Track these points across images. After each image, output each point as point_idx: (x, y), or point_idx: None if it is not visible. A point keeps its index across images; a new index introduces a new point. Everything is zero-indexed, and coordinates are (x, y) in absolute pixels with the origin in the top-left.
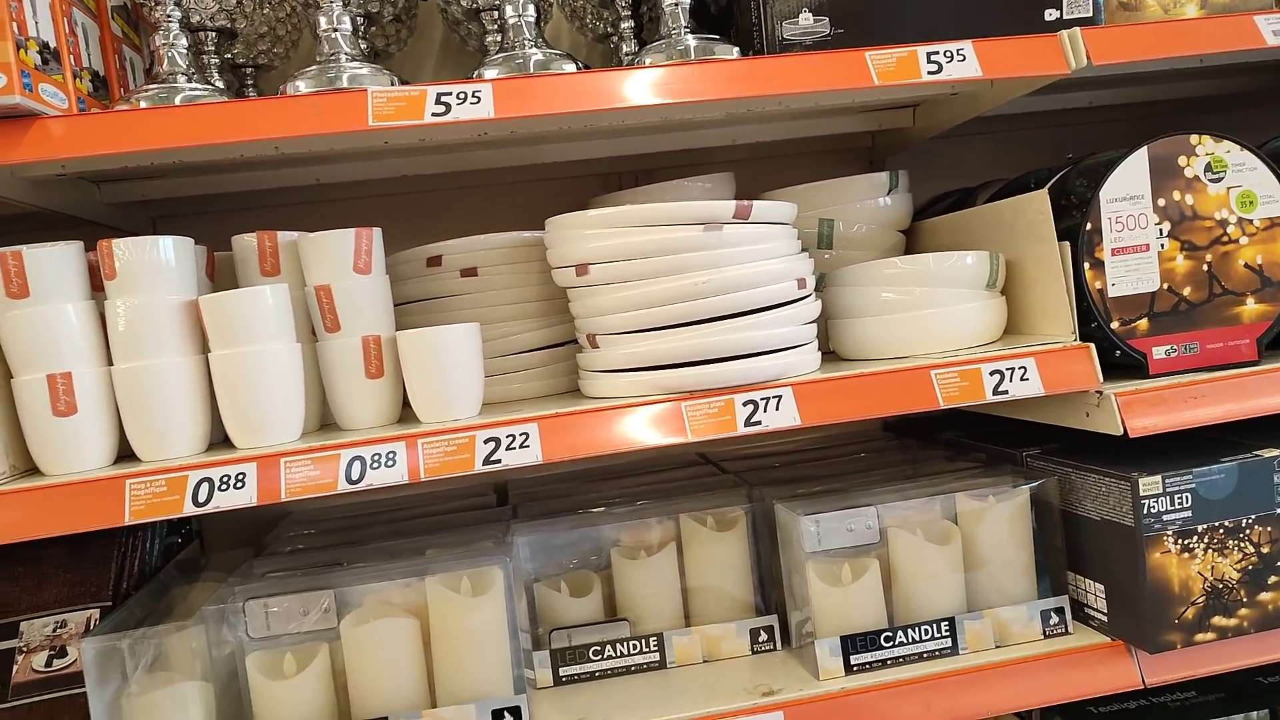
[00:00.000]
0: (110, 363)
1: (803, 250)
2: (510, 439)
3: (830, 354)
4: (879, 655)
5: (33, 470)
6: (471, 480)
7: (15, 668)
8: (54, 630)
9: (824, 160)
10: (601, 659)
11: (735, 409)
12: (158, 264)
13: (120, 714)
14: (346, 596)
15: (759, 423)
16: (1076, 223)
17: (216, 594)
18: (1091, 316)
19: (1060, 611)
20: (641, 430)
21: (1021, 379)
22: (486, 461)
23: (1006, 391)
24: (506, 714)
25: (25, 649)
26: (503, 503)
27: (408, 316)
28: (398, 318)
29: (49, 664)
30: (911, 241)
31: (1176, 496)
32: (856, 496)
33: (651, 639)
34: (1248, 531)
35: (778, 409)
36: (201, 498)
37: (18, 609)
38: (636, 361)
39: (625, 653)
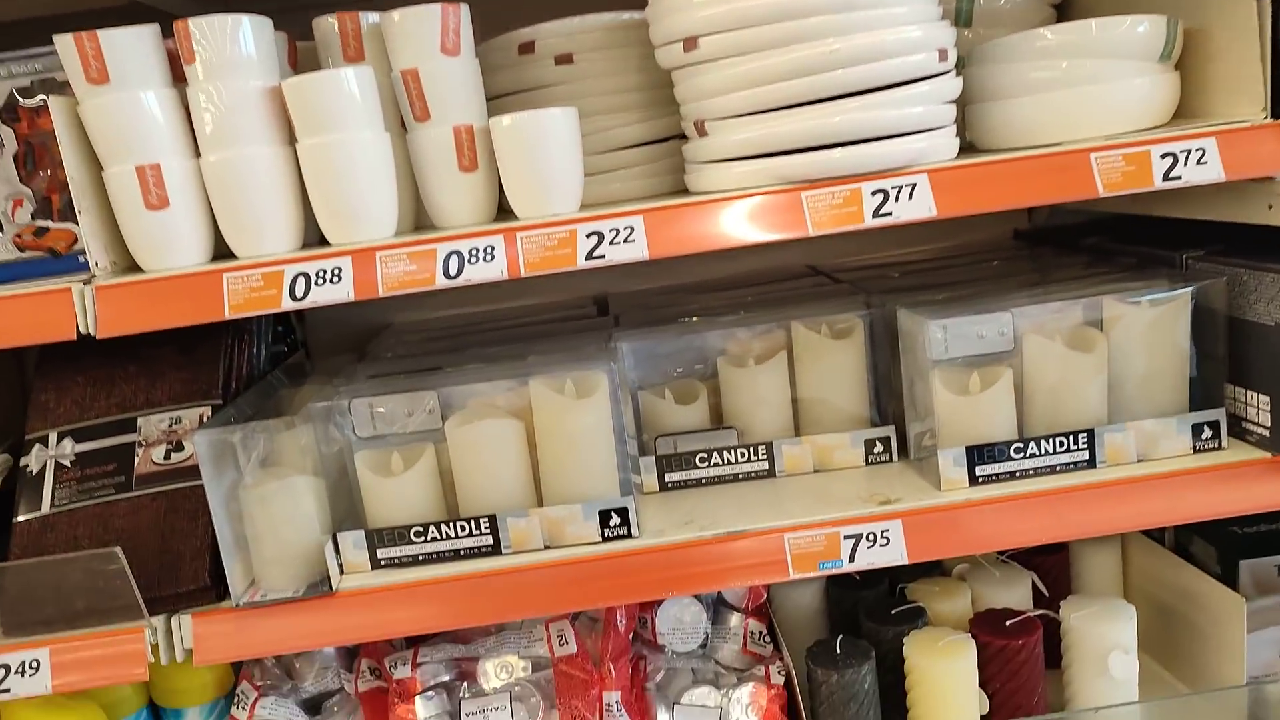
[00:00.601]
0: (199, 155)
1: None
2: (614, 233)
3: (966, 147)
4: (1007, 467)
5: (133, 267)
6: (572, 292)
7: (137, 460)
8: (169, 426)
9: None
10: (708, 466)
11: (863, 199)
12: (237, 44)
13: (237, 504)
14: (450, 398)
15: (889, 214)
16: None
17: (322, 394)
18: None
19: (1215, 425)
20: (756, 223)
21: (1198, 162)
22: (589, 257)
23: (1179, 177)
24: (614, 514)
25: (144, 443)
26: (603, 314)
27: (499, 110)
28: (488, 111)
29: (167, 457)
30: (1062, 16)
31: None
32: (987, 302)
33: (760, 447)
34: None
35: (910, 198)
36: (299, 292)
37: (135, 405)
38: (751, 148)
39: (732, 460)
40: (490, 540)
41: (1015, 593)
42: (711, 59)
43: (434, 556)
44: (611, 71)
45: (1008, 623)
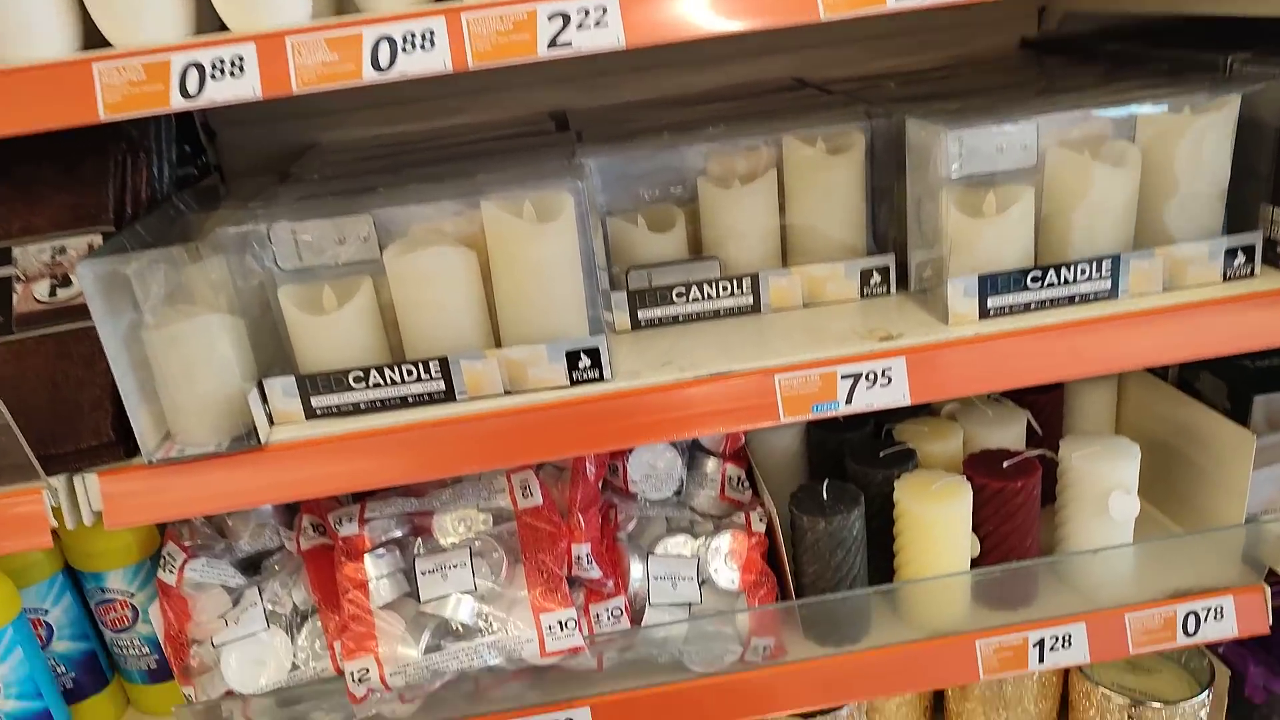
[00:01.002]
0: None
1: None
2: (583, 13)
3: None
4: (1021, 298)
5: None
6: (526, 107)
7: (15, 298)
8: (52, 257)
9: None
10: (686, 301)
11: None
12: None
13: (140, 347)
14: (388, 224)
15: None
16: None
17: (236, 219)
18: None
19: (1249, 250)
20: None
21: None
22: (553, 44)
23: None
24: (583, 355)
25: (23, 278)
26: (565, 129)
27: None
28: None
29: (52, 294)
30: None
31: None
32: (1005, 113)
33: (744, 280)
34: None
35: None
36: (191, 87)
37: (9, 232)
38: None
39: (713, 295)
40: (443, 386)
41: (1009, 432)
42: None
43: (378, 404)
44: None
45: (1005, 464)
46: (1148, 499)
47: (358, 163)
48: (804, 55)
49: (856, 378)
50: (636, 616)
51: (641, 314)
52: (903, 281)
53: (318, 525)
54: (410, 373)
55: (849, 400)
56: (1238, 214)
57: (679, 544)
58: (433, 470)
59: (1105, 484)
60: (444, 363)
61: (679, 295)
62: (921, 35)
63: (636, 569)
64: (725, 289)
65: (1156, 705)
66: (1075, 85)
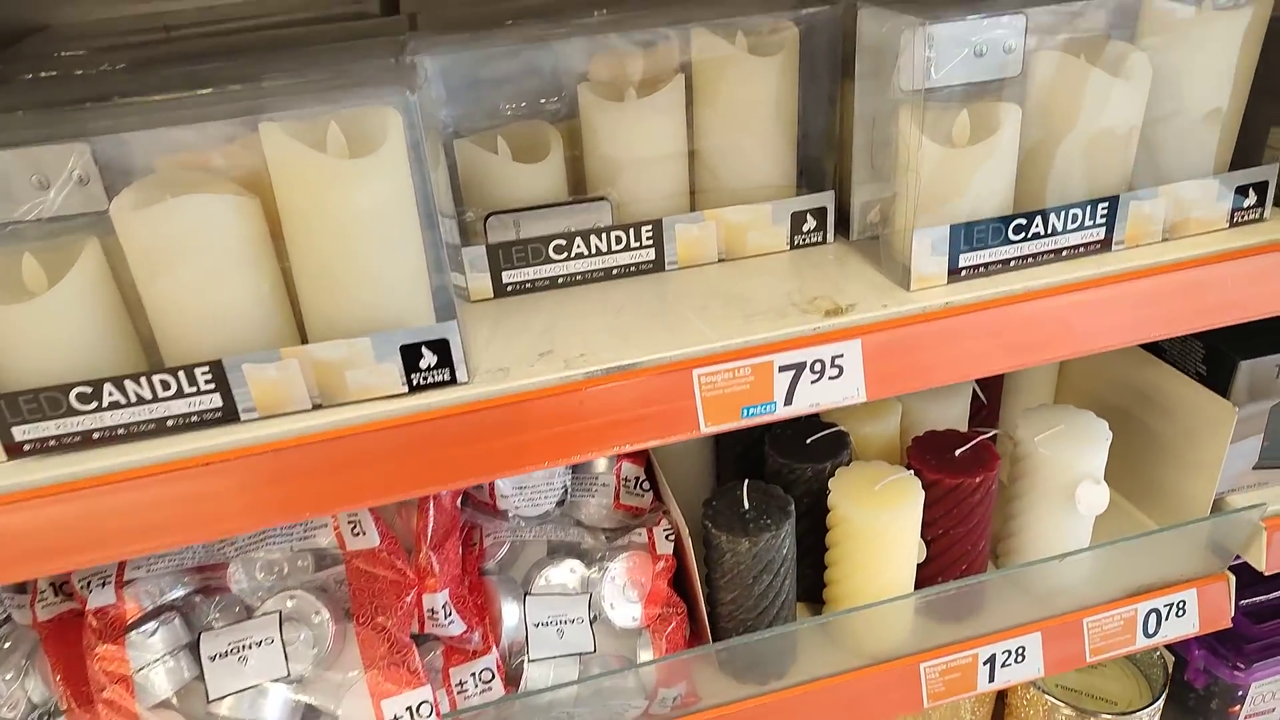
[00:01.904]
0: None
1: None
2: None
3: None
4: (1001, 253)
5: None
6: None
7: None
8: None
9: None
10: (566, 258)
11: None
12: None
13: None
14: (120, 155)
15: None
16: None
17: None
18: None
19: (1261, 189)
20: None
21: None
22: None
23: None
24: (426, 350)
25: None
26: (392, 13)
27: None
28: None
29: None
30: None
31: None
32: (978, 5)
33: (644, 228)
34: None
35: None
36: None
37: None
38: None
39: (602, 249)
40: (218, 402)
41: (954, 405)
42: None
43: (120, 433)
44: None
45: (956, 451)
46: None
47: (96, 55)
48: None
49: (799, 369)
50: (513, 677)
51: (507, 276)
52: (842, 225)
53: (61, 584)
54: (167, 385)
55: (789, 400)
56: (1244, 144)
57: (564, 574)
58: (204, 530)
59: (1072, 474)
60: (217, 368)
61: (557, 251)
62: None
63: (510, 613)
64: (619, 240)
65: (1107, 718)
66: None
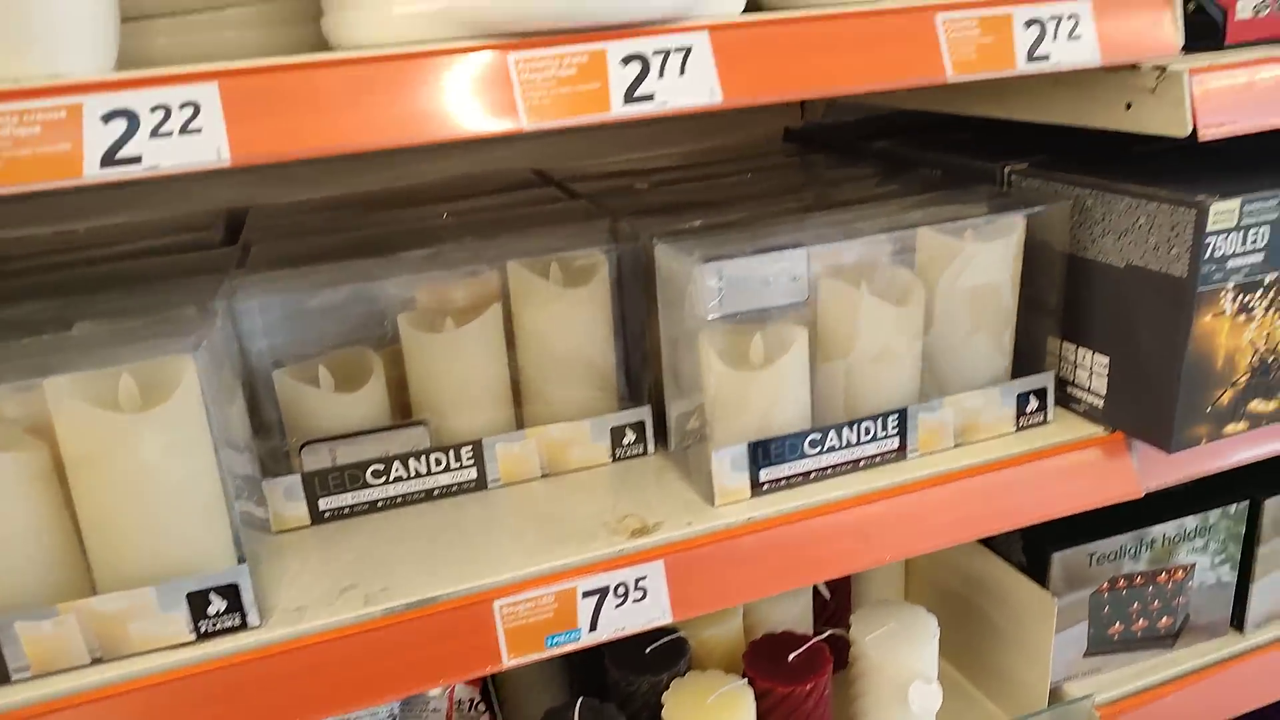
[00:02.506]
0: None
1: None
2: (161, 114)
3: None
4: (801, 466)
5: None
6: (199, 202)
7: None
8: None
9: None
10: (385, 482)
11: (608, 70)
12: None
13: None
14: None
15: (649, 97)
16: None
17: None
18: None
19: (1041, 395)
20: (431, 103)
21: (1069, 36)
22: (109, 162)
23: (1046, 56)
24: (214, 595)
25: None
26: (232, 241)
27: None
28: None
29: None
30: None
31: (1251, 233)
32: (771, 232)
33: (464, 449)
34: None
35: (682, 71)
36: None
37: None
38: None
39: (422, 471)
40: None
41: (795, 604)
42: None
43: None
44: None
45: (790, 656)
46: (947, 656)
47: None
48: (547, 143)
49: (603, 594)
50: None
51: (324, 503)
52: (663, 435)
53: None
54: None
55: (594, 626)
56: (1024, 351)
57: None
58: None
59: (904, 673)
60: None
61: (376, 475)
62: (679, 122)
63: None
64: (439, 462)
65: None
66: (845, 195)
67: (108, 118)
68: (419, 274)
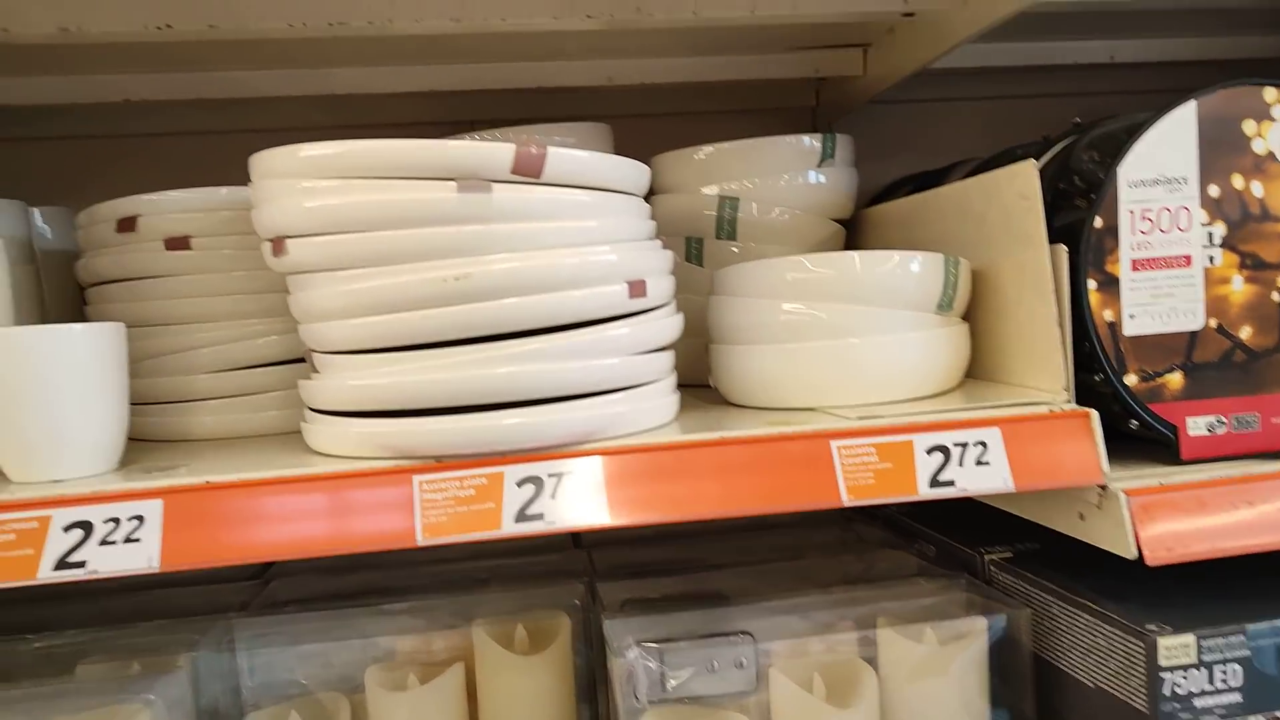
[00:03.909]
0: None
1: (661, 242)
2: (110, 525)
3: (711, 396)
4: None
5: None
6: None
7: None
8: None
9: (748, 121)
10: None
11: (503, 491)
12: None
13: None
14: None
15: (538, 516)
16: (1080, 217)
17: None
18: (1096, 364)
19: None
20: (328, 522)
21: (978, 462)
22: (60, 565)
23: (951, 483)
24: None
25: None
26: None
27: (98, 305)
28: (87, 309)
29: None
30: (853, 238)
31: (1220, 669)
32: (726, 612)
33: None
34: None
35: (568, 493)
36: None
37: None
38: (361, 402)
39: None
40: None
41: None
42: (306, 269)
43: None
44: (241, 264)
45: None
46: None
47: None
48: None
49: None
50: None
51: None
52: None
53: None
54: None
55: None
56: None
57: None
58: None
59: None
60: None
61: None
62: None
63: None
64: None
65: None
66: (833, 563)
67: (69, 528)
68: (390, 635)
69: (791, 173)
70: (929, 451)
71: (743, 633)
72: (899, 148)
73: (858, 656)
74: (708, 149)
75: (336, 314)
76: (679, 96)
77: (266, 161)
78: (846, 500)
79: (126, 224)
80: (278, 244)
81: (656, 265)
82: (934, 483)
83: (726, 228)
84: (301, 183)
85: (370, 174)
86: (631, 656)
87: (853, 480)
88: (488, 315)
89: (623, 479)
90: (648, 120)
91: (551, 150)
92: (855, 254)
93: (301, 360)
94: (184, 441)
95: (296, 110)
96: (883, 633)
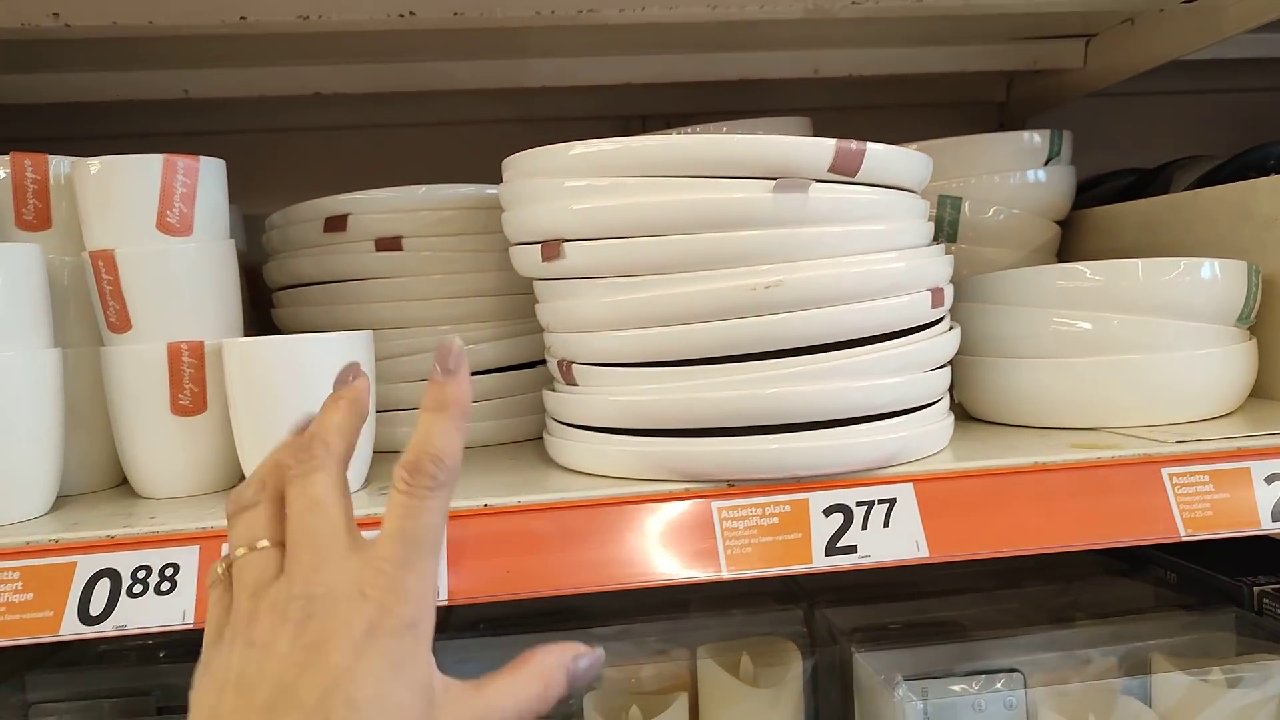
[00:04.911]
0: None
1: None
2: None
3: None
4: None
5: None
6: None
7: None
8: None
9: (931, 116)
10: None
11: (810, 520)
12: None
13: None
14: None
15: (852, 548)
16: None
17: None
18: None
19: None
20: (622, 550)
21: None
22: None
23: None
24: None
25: None
26: None
27: (291, 309)
28: (276, 312)
29: None
30: (1069, 238)
31: None
32: (980, 646)
33: None
34: None
35: (886, 524)
36: None
37: None
38: (635, 419)
39: None
40: None
41: None
42: (583, 275)
43: None
44: (459, 266)
45: None
46: None
47: None
48: None
49: None
50: None
51: None
52: None
53: None
54: None
55: None
56: None
57: None
58: None
59: None
60: None
61: None
62: None
63: None
64: None
65: None
66: (1083, 597)
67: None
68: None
69: (1013, 171)
70: (1268, 480)
71: (1011, 670)
72: (1099, 142)
73: (1131, 696)
74: (931, 144)
75: (615, 324)
76: (852, 90)
77: (532, 157)
78: (1184, 534)
79: (336, 223)
80: (551, 247)
81: (946, 271)
82: (1276, 516)
83: (947, 229)
84: (593, 181)
85: (663, 173)
86: (900, 696)
87: (1189, 512)
88: (795, 327)
89: (937, 508)
90: (824, 114)
91: (870, 146)
92: (1138, 261)
93: (513, 369)
94: (388, 453)
95: (467, 104)
96: (1165, 675)
